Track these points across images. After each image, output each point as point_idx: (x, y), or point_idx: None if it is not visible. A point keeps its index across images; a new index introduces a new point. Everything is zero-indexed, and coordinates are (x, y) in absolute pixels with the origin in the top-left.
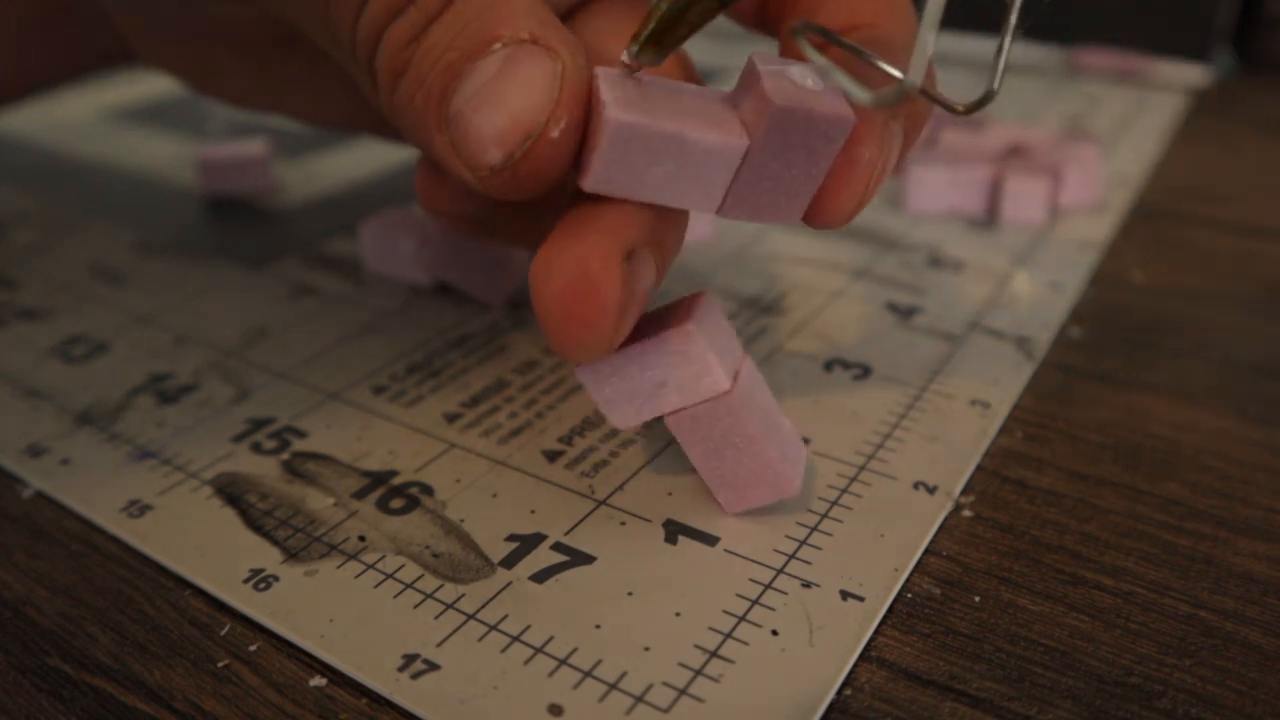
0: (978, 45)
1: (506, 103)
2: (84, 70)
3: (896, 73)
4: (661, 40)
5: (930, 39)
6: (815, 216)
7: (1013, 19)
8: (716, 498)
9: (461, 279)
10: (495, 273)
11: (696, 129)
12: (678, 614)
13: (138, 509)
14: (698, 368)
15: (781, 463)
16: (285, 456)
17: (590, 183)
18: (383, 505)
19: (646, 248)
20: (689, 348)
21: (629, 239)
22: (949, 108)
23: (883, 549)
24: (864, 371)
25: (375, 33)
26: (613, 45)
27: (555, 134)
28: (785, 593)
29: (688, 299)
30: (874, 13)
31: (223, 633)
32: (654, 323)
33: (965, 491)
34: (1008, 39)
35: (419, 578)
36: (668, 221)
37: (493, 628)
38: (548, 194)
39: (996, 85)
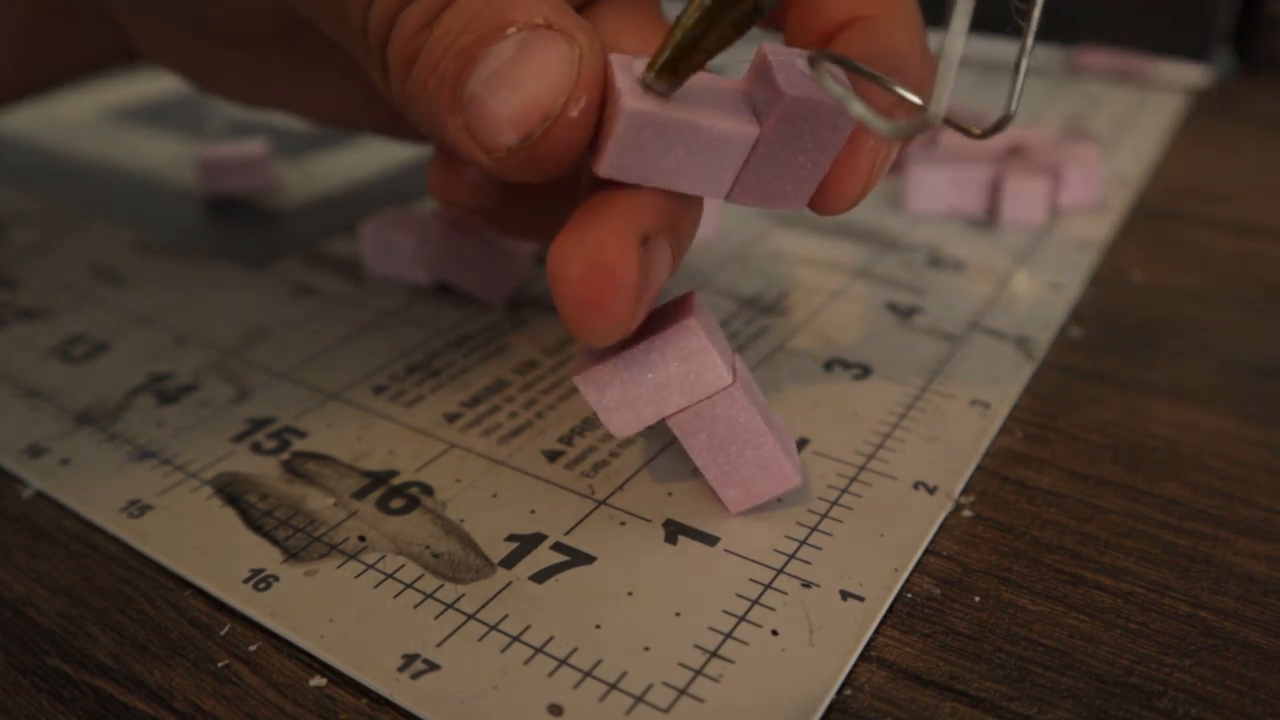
0: (977, 46)
1: (524, 85)
2: (84, 71)
3: (915, 99)
4: (677, 68)
5: (952, 71)
6: (820, 203)
7: (1029, 42)
8: (721, 498)
9: (461, 279)
10: (495, 273)
11: (709, 117)
12: (678, 614)
13: (138, 509)
14: (700, 363)
15: (783, 455)
16: (285, 456)
17: (604, 168)
18: (383, 505)
19: (662, 234)
20: (690, 344)
21: (645, 225)
22: (966, 132)
23: (883, 549)
24: (864, 371)
25: (387, 20)
26: (621, 42)
27: (574, 114)
28: (785, 593)
29: (676, 300)
30: (876, 4)
31: (223, 633)
32: (647, 325)
33: (965, 491)
34: (1024, 61)
35: (419, 578)
36: (682, 209)
37: (493, 628)
38: (562, 177)
39: (1013, 108)
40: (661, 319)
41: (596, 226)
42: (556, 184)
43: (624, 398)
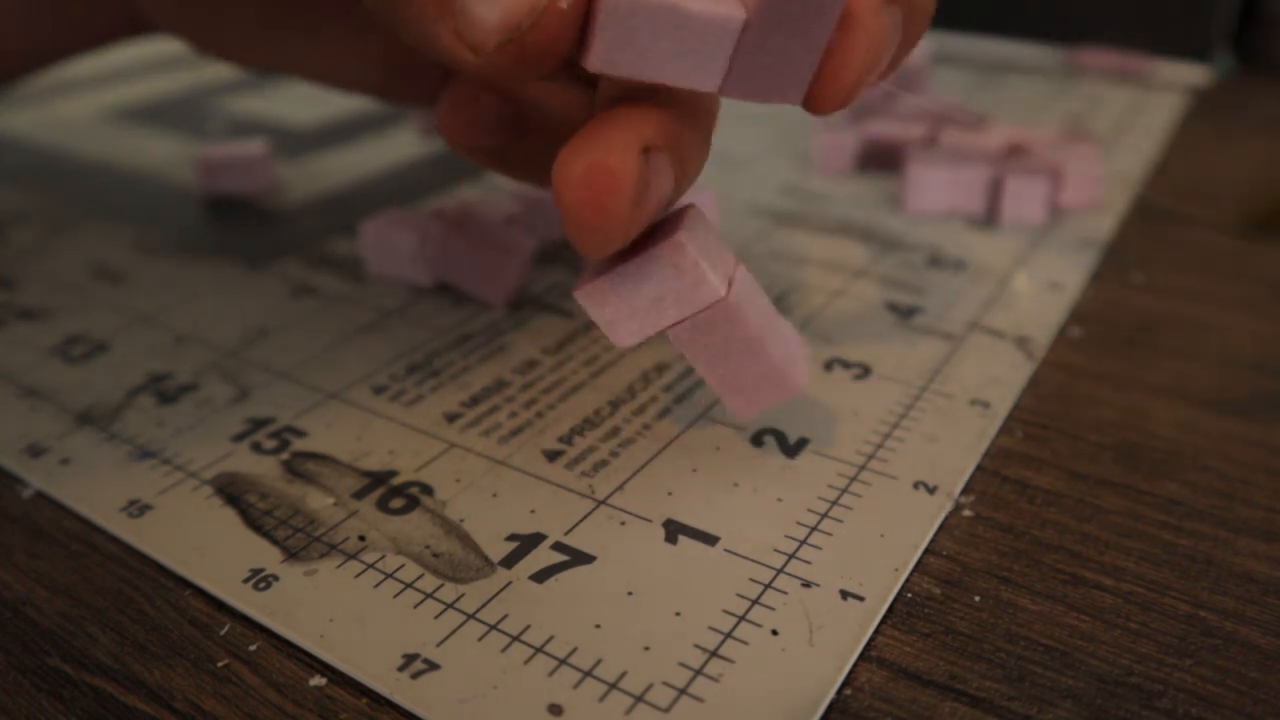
0: (977, 46)
1: None
2: (90, 44)
3: None
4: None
5: None
6: (815, 97)
7: None
8: (727, 406)
9: (461, 279)
10: (495, 273)
11: (694, 2)
12: (678, 614)
13: (137, 509)
14: (691, 277)
15: (785, 363)
16: (285, 456)
17: (593, 60)
18: (383, 505)
19: (665, 150)
20: (680, 260)
21: (646, 136)
22: None
23: (883, 549)
24: (864, 371)
25: None
26: None
27: (563, 4)
28: (785, 592)
29: (673, 214)
30: None
31: (223, 633)
32: (644, 241)
33: (965, 491)
34: None
35: (419, 577)
36: (686, 127)
37: (493, 627)
38: (553, 72)
39: None
40: (661, 231)
41: (598, 135)
42: (561, 125)
43: (623, 310)
